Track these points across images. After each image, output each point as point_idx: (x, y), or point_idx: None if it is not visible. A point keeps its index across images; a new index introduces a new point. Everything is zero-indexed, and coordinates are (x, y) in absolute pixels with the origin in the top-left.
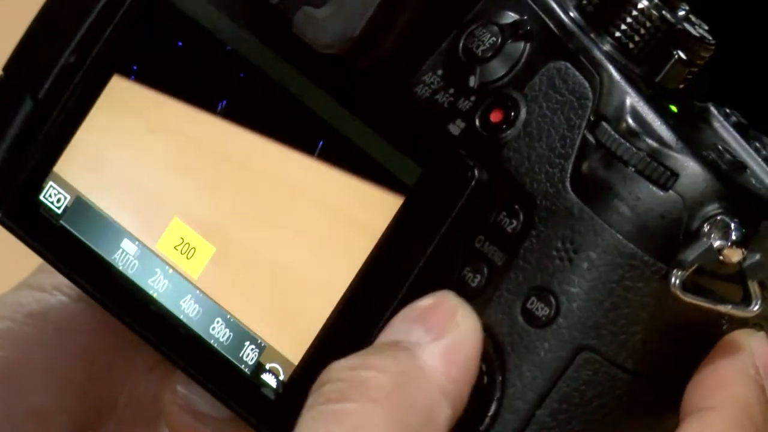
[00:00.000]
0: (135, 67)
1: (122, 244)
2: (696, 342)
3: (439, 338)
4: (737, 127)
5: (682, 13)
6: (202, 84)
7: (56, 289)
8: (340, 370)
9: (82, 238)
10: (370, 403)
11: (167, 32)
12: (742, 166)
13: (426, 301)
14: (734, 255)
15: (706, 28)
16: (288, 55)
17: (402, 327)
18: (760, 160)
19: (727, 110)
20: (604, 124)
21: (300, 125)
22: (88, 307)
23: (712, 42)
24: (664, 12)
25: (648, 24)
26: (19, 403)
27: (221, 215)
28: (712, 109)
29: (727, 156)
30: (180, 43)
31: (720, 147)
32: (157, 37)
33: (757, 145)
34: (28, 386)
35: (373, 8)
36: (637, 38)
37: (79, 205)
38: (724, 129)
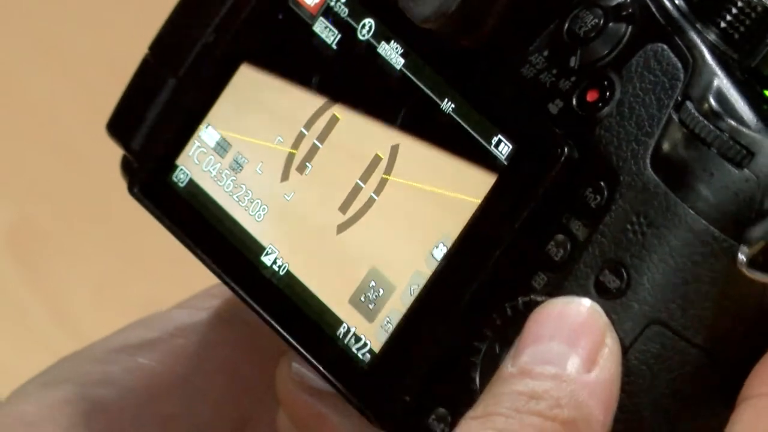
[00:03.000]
0: (260, 56)
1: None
2: (762, 323)
3: (592, 370)
4: None
5: None
6: (319, 68)
7: (209, 308)
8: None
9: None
10: None
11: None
12: None
13: (577, 316)
14: None
15: None
16: (396, 30)
17: (555, 349)
18: None
19: None
20: (689, 103)
21: (402, 98)
22: (236, 325)
23: None
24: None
25: (752, 13)
26: (149, 408)
27: (323, 199)
28: None
29: None
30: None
31: None
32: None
33: None
34: (163, 393)
35: None
36: (740, 27)
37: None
38: None
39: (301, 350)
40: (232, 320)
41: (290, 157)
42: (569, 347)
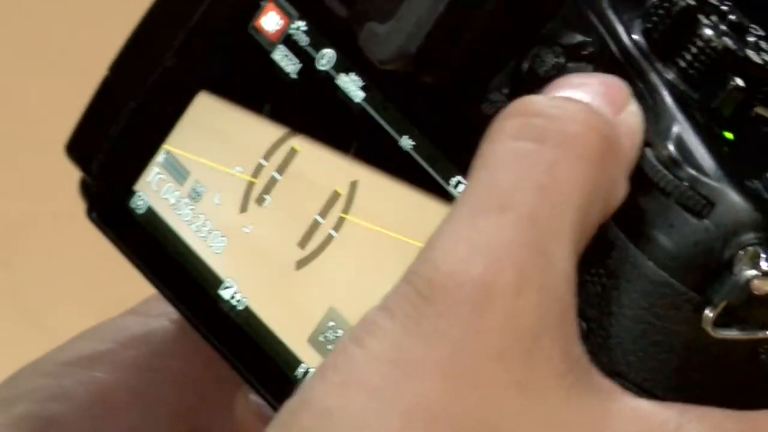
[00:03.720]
0: (220, 82)
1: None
2: (732, 371)
3: (618, 114)
4: None
5: (752, 39)
6: (280, 101)
7: (161, 315)
8: (542, 104)
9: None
10: (580, 160)
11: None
12: None
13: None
14: (765, 285)
15: None
16: (356, 63)
17: (581, 93)
18: None
19: None
20: (648, 150)
21: (361, 133)
22: (189, 334)
23: None
24: (726, 40)
25: (712, 53)
26: (108, 423)
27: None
28: None
29: None
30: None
31: None
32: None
33: None
34: (120, 407)
35: (430, 26)
36: (700, 67)
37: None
38: None
39: (260, 389)
40: (184, 329)
41: (249, 189)
42: (600, 96)
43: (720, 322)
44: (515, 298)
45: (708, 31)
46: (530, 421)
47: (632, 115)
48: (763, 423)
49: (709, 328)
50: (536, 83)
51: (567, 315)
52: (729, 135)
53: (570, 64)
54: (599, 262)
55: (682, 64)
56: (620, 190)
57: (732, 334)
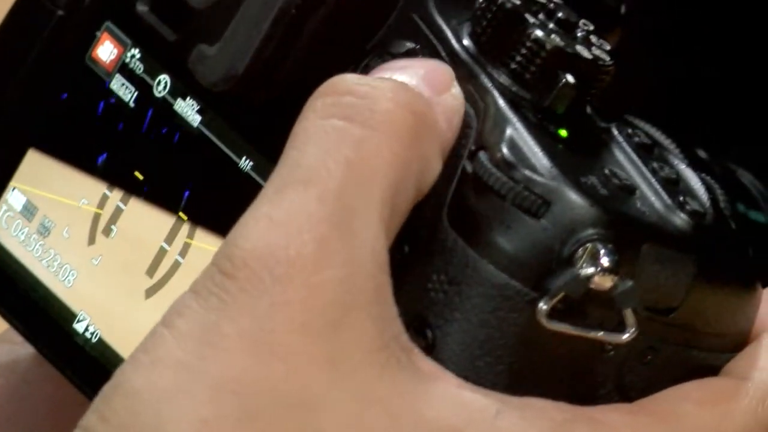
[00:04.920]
0: (61, 115)
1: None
2: (579, 371)
3: (438, 96)
4: (639, 147)
5: (581, 33)
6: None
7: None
8: (352, 83)
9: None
10: (389, 137)
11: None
12: (629, 190)
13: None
14: (605, 281)
15: (607, 48)
16: (191, 87)
17: (402, 76)
18: (654, 181)
19: (631, 130)
20: (482, 154)
21: (201, 157)
22: None
23: (608, 63)
24: (555, 38)
25: (541, 52)
26: None
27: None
28: (614, 130)
29: (614, 180)
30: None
31: (607, 171)
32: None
33: (655, 165)
34: None
35: (257, 45)
36: (531, 67)
37: None
38: (620, 151)
39: None
40: None
41: (96, 220)
42: (419, 79)
43: (557, 316)
44: (317, 271)
45: (535, 31)
46: (340, 395)
47: (453, 97)
48: (596, 416)
49: (543, 319)
50: None
51: (381, 292)
52: (563, 132)
53: None
54: (440, 269)
55: (513, 65)
56: (433, 169)
57: (564, 327)
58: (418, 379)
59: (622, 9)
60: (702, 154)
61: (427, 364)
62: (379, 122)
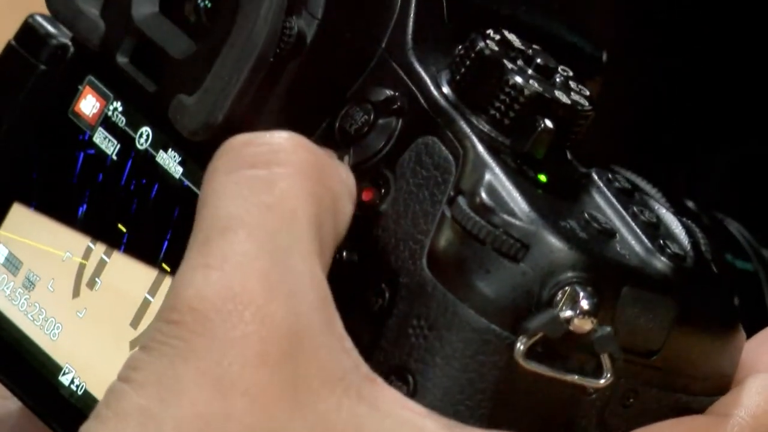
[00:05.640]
0: (45, 168)
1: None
2: (561, 414)
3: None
4: (619, 192)
5: (560, 79)
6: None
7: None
8: (248, 137)
9: None
10: (297, 175)
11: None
12: (609, 233)
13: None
14: (584, 324)
15: (586, 93)
16: (173, 138)
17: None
18: (634, 225)
19: (611, 175)
20: (461, 199)
21: (184, 208)
22: None
23: (587, 108)
24: (533, 83)
25: (520, 98)
26: None
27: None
28: (593, 174)
29: (594, 224)
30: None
31: (587, 215)
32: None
33: (635, 209)
34: None
35: (235, 94)
36: (509, 112)
37: None
38: (600, 195)
39: None
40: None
41: (80, 273)
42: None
43: (536, 358)
44: (265, 304)
45: (514, 77)
46: (301, 424)
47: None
48: None
49: (520, 359)
50: (347, 141)
51: (330, 324)
52: (543, 177)
53: (380, 120)
54: (420, 314)
55: (492, 111)
56: (346, 208)
57: (541, 368)
58: (378, 409)
59: (604, 57)
60: (690, 204)
61: (392, 394)
62: (284, 162)
